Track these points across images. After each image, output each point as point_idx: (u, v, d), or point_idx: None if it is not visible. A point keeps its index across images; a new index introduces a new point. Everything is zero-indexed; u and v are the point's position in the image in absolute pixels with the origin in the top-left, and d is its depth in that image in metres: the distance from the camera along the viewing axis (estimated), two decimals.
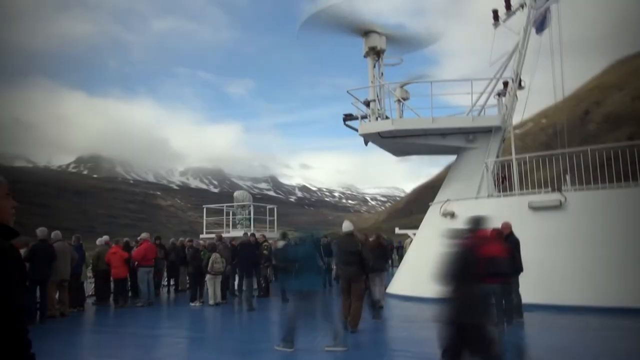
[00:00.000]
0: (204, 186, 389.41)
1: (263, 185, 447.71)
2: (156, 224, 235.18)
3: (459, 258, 6.03)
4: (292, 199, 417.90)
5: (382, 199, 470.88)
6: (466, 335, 5.55)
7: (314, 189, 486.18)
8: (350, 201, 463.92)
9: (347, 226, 9.43)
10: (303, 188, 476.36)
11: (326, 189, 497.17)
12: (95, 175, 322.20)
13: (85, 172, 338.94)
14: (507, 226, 9.44)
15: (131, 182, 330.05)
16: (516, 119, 14.33)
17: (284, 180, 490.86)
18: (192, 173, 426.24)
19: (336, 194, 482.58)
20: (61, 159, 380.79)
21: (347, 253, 9.07)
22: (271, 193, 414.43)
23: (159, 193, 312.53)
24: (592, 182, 12.02)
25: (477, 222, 6.97)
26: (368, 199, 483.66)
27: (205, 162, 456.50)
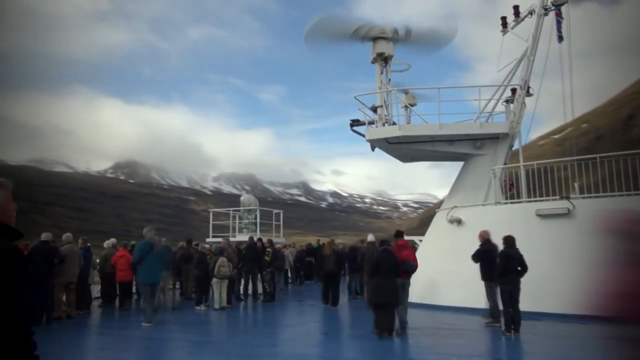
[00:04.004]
0: (236, 191, 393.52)
1: (294, 191, 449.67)
2: (190, 228, 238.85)
3: (385, 258, 8.57)
4: (323, 204, 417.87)
5: (414, 205, 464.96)
6: (384, 311, 8.43)
7: (345, 194, 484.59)
8: (381, 207, 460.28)
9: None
10: (334, 194, 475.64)
11: (357, 194, 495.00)
12: (131, 181, 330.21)
13: (122, 177, 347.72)
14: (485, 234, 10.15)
15: (166, 187, 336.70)
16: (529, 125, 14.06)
17: (315, 186, 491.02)
18: (225, 179, 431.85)
19: (367, 200, 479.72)
20: (99, 165, 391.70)
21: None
22: (302, 199, 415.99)
23: (192, 198, 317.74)
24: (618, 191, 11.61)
25: (398, 234, 10.24)
26: (400, 205, 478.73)
27: (238, 167, 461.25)
